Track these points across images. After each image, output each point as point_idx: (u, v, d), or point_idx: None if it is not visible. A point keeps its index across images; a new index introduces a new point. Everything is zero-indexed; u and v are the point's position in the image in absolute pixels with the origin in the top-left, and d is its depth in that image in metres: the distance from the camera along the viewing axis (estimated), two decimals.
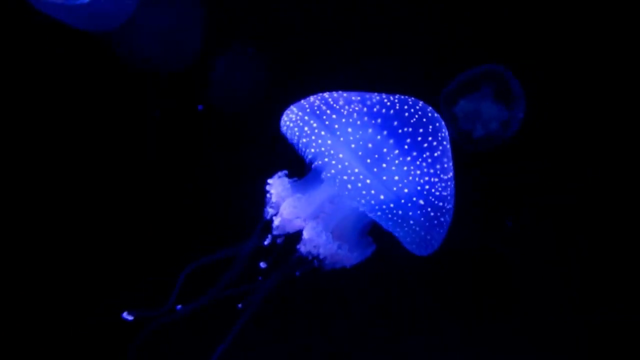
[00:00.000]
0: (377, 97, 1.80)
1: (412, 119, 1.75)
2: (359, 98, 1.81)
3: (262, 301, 2.07)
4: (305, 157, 2.08)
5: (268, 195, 1.93)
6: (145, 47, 2.66)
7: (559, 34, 2.83)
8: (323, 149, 1.71)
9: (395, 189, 1.68)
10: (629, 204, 2.85)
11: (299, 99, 2.04)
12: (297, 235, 1.92)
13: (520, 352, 2.88)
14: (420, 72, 2.86)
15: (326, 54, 2.89)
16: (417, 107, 1.79)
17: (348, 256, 1.88)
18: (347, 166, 1.67)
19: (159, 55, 2.70)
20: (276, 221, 1.87)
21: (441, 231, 1.82)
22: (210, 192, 2.84)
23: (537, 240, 2.91)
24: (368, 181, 1.65)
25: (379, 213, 1.68)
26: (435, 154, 1.75)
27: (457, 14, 2.85)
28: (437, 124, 1.79)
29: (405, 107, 1.77)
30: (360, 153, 1.68)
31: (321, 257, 1.84)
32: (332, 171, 1.69)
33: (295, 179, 1.97)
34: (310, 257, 1.86)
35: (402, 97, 1.82)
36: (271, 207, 1.92)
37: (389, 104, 1.77)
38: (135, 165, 2.80)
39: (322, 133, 1.73)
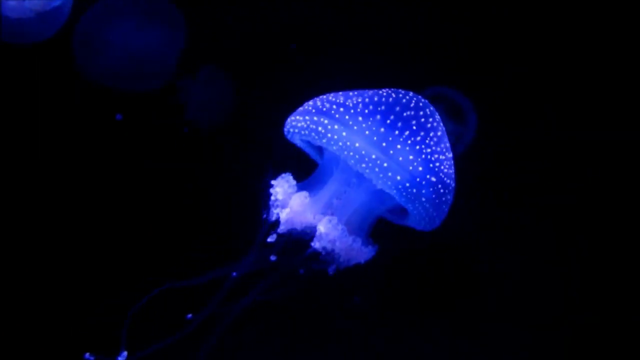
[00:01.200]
0: (371, 91, 1.89)
1: (411, 103, 1.85)
2: (355, 93, 1.89)
3: (265, 302, 2.06)
4: (316, 157, 2.13)
5: (272, 196, 1.93)
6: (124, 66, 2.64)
7: (556, 33, 2.87)
8: (340, 143, 1.76)
9: (411, 168, 1.75)
10: (629, 204, 2.89)
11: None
12: (302, 238, 1.94)
13: (519, 351, 2.89)
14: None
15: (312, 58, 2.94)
16: (410, 95, 1.89)
17: (363, 250, 1.88)
18: (365, 154, 1.74)
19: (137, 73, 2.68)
20: (284, 214, 1.86)
21: (445, 209, 1.91)
22: (210, 196, 2.85)
23: (537, 240, 2.94)
24: (385, 164, 1.73)
25: (394, 191, 1.76)
26: (439, 134, 1.86)
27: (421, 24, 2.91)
28: (431, 108, 1.90)
29: (400, 95, 1.87)
30: (375, 138, 1.76)
31: (336, 251, 1.83)
32: (351, 161, 1.75)
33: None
34: (324, 253, 1.84)
35: (392, 89, 1.91)
36: (277, 206, 1.92)
37: (385, 94, 1.87)
38: (135, 169, 2.81)
39: (336, 127, 1.78)
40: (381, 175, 1.73)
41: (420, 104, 1.87)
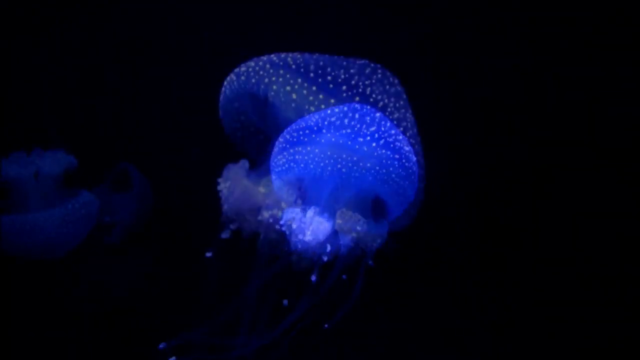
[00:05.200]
0: (320, 111, 2.17)
1: (357, 106, 2.13)
2: (309, 115, 2.17)
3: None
4: (300, 183, 2.36)
5: (287, 229, 2.16)
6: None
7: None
8: (317, 158, 2.09)
9: (376, 154, 2.09)
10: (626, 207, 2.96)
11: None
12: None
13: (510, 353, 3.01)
14: None
15: None
16: (351, 104, 2.16)
17: (378, 227, 2.19)
18: (337, 157, 2.07)
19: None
20: (308, 233, 2.11)
21: (414, 180, 2.21)
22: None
23: (537, 239, 3.06)
24: (355, 158, 2.08)
25: (370, 178, 2.09)
26: (388, 123, 2.15)
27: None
28: (372, 109, 2.18)
29: (347, 105, 2.15)
30: (341, 141, 2.10)
31: (361, 237, 2.12)
32: (329, 169, 2.08)
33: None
34: (353, 246, 2.14)
35: (334, 106, 2.19)
36: (296, 234, 2.15)
37: (333, 109, 2.15)
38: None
39: (308, 149, 2.12)
40: (355, 168, 2.08)
41: (364, 107, 2.14)
